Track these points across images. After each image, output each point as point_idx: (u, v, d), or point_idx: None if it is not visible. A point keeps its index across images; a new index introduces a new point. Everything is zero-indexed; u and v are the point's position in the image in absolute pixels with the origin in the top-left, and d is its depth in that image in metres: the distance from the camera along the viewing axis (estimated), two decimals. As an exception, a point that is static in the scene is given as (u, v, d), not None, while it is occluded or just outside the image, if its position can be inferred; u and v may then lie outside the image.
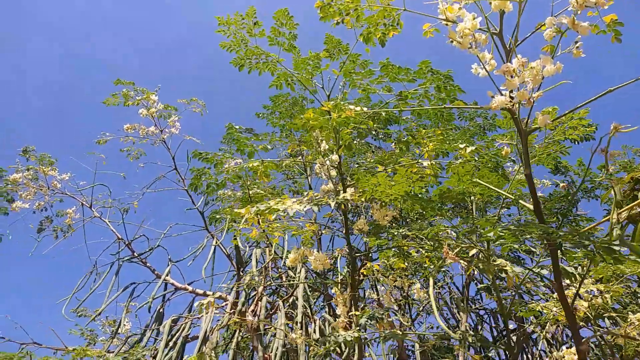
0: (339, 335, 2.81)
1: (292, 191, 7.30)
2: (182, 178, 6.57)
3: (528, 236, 2.10)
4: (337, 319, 3.29)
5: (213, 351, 3.95)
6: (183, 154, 8.30)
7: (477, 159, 3.43)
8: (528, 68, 1.87)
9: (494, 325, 6.90)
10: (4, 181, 7.18)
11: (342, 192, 3.36)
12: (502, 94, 2.10)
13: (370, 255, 4.84)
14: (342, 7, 2.25)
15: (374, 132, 6.38)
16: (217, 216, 6.67)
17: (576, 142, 6.00)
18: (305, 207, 2.57)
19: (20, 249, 7.85)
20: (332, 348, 2.80)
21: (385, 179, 2.69)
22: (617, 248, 2.03)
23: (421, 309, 6.70)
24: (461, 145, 3.37)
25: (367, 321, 2.85)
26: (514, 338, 6.35)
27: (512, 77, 1.91)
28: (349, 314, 3.01)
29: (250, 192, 5.98)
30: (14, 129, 12.54)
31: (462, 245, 2.62)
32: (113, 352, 5.89)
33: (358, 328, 2.90)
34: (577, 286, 2.46)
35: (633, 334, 3.02)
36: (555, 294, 3.09)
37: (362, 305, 4.51)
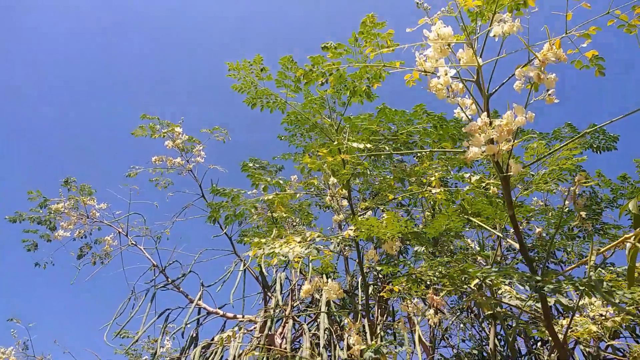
0: (348, 367, 2.95)
1: (317, 205, 7.50)
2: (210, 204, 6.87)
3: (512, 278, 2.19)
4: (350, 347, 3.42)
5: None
6: (209, 181, 8.69)
7: (483, 187, 3.51)
8: (493, 126, 1.96)
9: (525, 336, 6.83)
10: (47, 210, 7.66)
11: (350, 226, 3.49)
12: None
13: (387, 280, 4.94)
14: (325, 68, 2.41)
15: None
16: (246, 238, 6.93)
17: (598, 152, 5.94)
18: (306, 250, 2.72)
19: (62, 277, 8.34)
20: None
21: (378, 221, 2.82)
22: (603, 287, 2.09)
23: (451, 322, 6.73)
24: (466, 175, 3.46)
25: (371, 356, 2.96)
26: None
27: (480, 134, 2.00)
28: (359, 343, 3.13)
29: (275, 215, 6.21)
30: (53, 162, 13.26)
31: (452, 286, 2.70)
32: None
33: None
34: (570, 317, 2.50)
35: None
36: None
37: (379, 329, 4.62)
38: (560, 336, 2.82)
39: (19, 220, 7.16)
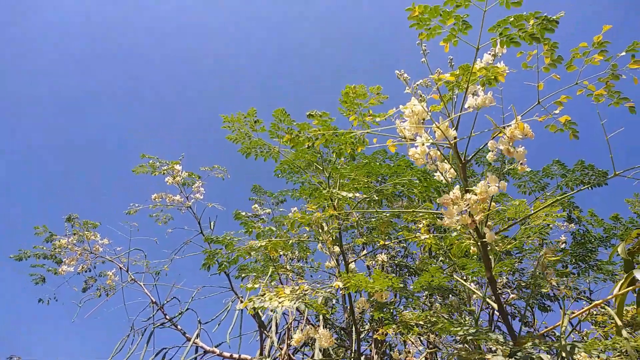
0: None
1: (316, 239, 7.57)
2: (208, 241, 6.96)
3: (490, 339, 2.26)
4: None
5: None
6: (207, 218, 8.80)
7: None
8: (465, 199, 2.07)
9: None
10: (52, 245, 7.76)
11: (341, 274, 3.58)
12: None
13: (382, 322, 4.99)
14: (311, 132, 2.54)
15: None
16: (244, 275, 6.99)
17: (590, 188, 6.02)
18: (295, 303, 2.80)
19: (63, 313, 8.36)
20: None
21: (365, 277, 2.90)
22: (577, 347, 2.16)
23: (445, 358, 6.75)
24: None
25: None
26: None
27: (452, 206, 2.11)
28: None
29: (272, 255, 6.29)
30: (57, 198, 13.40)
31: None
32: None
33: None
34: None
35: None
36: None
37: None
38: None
39: (24, 257, 7.27)
